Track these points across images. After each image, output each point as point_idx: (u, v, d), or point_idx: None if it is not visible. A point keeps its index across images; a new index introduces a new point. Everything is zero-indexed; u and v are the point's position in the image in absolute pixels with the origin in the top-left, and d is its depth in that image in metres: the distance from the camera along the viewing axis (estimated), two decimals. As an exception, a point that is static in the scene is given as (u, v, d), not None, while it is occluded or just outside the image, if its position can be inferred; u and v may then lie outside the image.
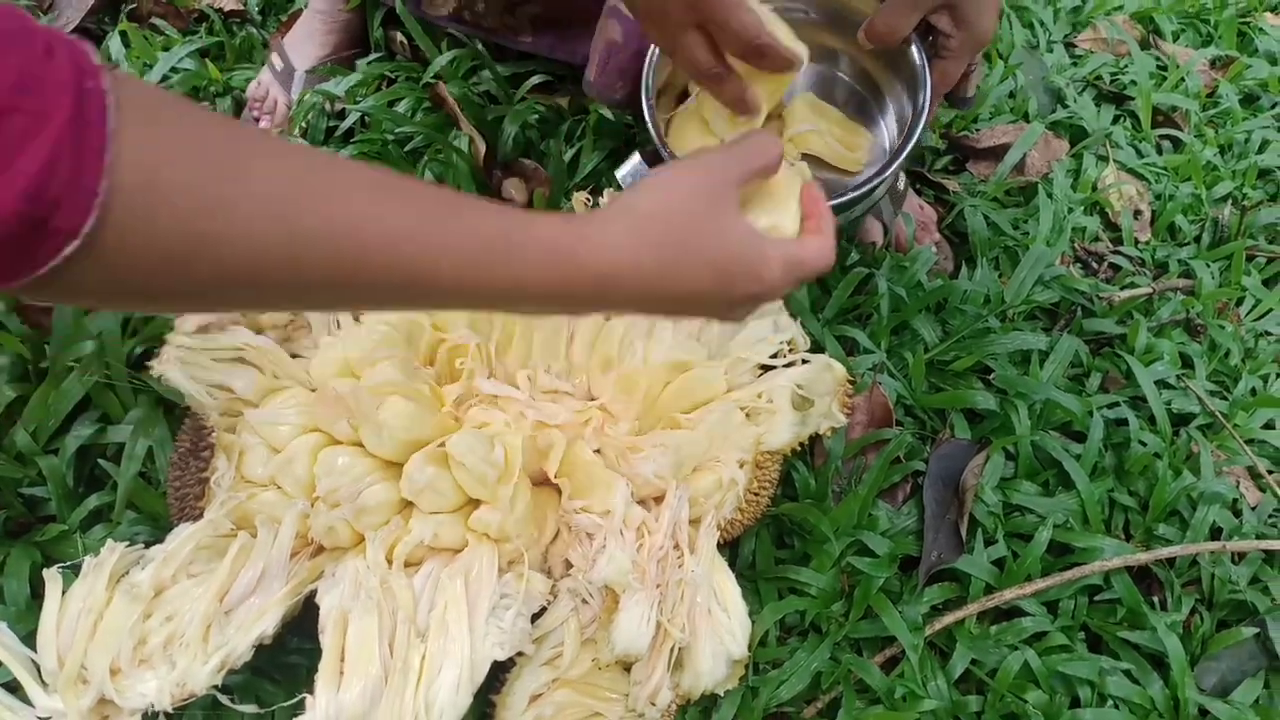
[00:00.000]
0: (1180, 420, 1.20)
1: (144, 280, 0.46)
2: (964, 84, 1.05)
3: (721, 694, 0.93)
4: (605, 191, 1.18)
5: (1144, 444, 1.14)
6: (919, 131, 0.97)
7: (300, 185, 0.50)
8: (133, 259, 0.44)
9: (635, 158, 1.01)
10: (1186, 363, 1.25)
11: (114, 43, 1.50)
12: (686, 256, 0.64)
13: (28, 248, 0.41)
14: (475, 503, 0.90)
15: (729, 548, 1.01)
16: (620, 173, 1.01)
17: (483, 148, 1.32)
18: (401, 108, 1.39)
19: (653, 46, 1.04)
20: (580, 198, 1.17)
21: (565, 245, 0.60)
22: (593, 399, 1.02)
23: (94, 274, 0.44)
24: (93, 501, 1.01)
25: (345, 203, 0.51)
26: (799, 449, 1.03)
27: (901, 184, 1.30)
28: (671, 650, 0.88)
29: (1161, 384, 1.20)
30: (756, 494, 0.98)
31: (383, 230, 0.52)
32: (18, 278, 0.42)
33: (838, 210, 0.99)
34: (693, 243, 0.65)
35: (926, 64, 0.97)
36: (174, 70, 1.46)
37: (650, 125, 1.00)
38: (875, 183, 0.98)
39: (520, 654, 0.87)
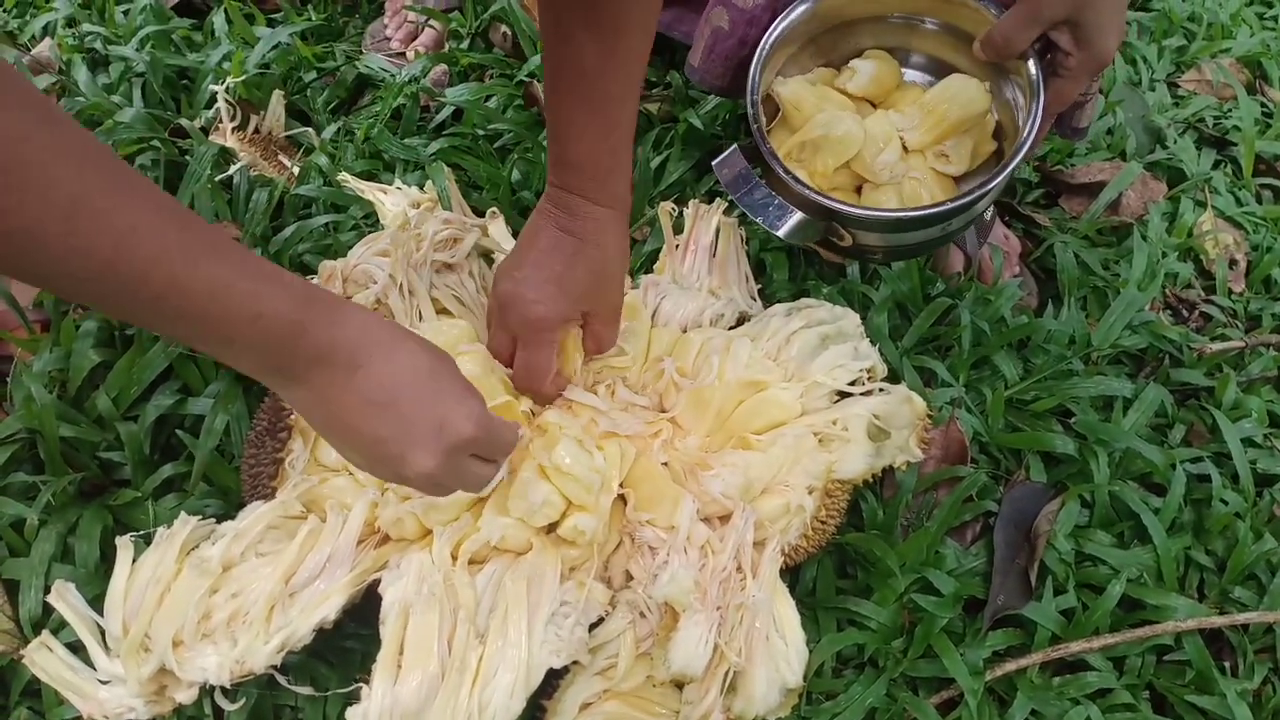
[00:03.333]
0: (1265, 481, 1.16)
1: None
2: (1079, 113, 1.03)
3: (773, 721, 0.92)
4: (691, 202, 1.17)
5: (1225, 503, 1.10)
6: (1026, 146, 0.95)
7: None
8: None
9: (733, 148, 1.02)
10: (1275, 422, 1.21)
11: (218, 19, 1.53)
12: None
13: None
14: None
15: (790, 573, 1.00)
16: (716, 162, 1.04)
17: (571, 149, 1.32)
18: (493, 104, 1.40)
19: (763, 41, 1.05)
20: (665, 207, 1.16)
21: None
22: (664, 411, 1.01)
23: None
24: (167, 470, 1.02)
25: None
26: (869, 480, 1.02)
27: (989, 214, 1.28)
28: (726, 673, 0.87)
29: (1248, 442, 1.16)
30: (824, 522, 0.97)
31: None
32: None
33: (936, 220, 0.99)
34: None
35: (1042, 81, 0.96)
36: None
37: (753, 122, 1.01)
38: (976, 195, 0.96)
39: (575, 662, 0.87)
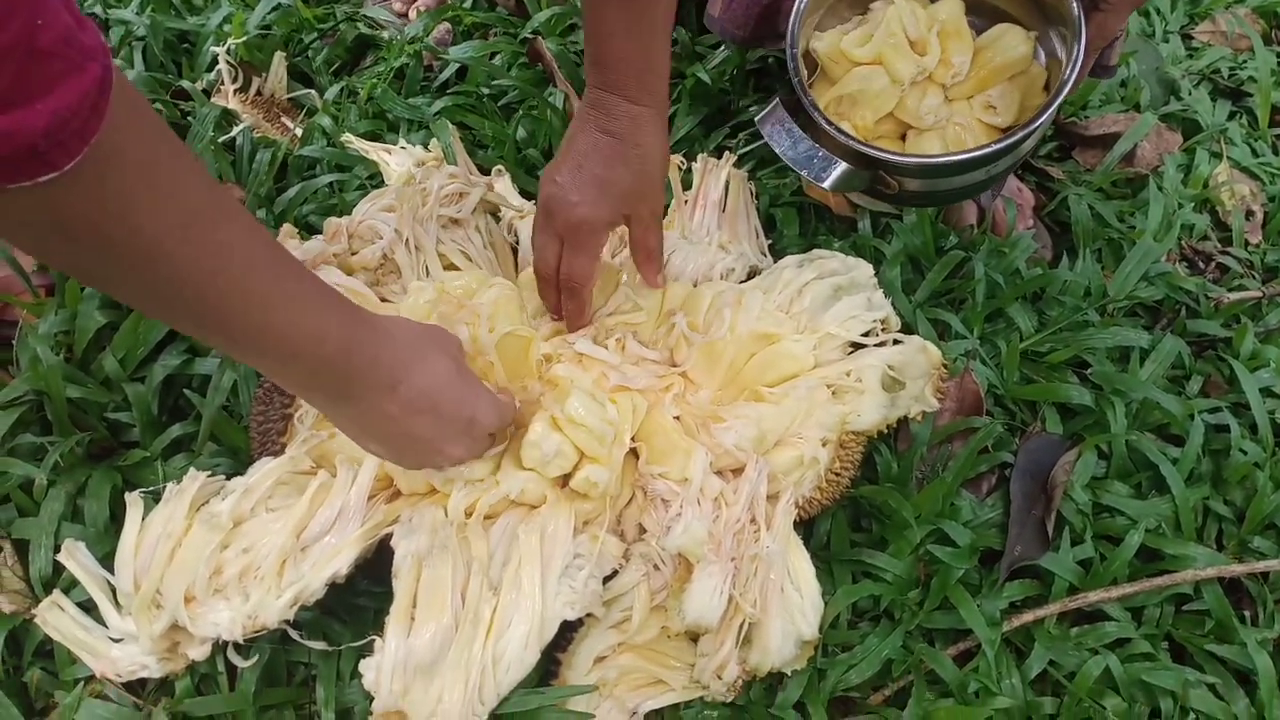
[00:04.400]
0: (1283, 431, 1.14)
1: (80, 227, 0.52)
2: (1108, 51, 1.02)
3: (789, 673, 0.91)
4: (700, 156, 1.15)
5: (1244, 453, 1.09)
6: (1071, 81, 0.95)
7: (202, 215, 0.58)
8: (79, 202, 0.51)
9: (775, 102, 1.03)
10: (1293, 372, 1.19)
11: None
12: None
13: (17, 166, 0.46)
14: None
15: (804, 526, 0.99)
16: (759, 117, 1.04)
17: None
18: (498, 61, 1.38)
19: None
20: (674, 161, 1.15)
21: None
22: (675, 365, 1.00)
23: (39, 205, 0.49)
24: (175, 430, 1.02)
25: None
26: (884, 431, 1.01)
27: (1002, 168, 1.26)
28: (741, 625, 0.87)
29: (1266, 392, 1.15)
30: (838, 474, 0.96)
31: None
32: None
33: (982, 162, 0.99)
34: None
35: (1084, 17, 0.95)
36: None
37: (794, 76, 1.02)
38: (1022, 135, 0.96)
39: (589, 615, 0.86)
